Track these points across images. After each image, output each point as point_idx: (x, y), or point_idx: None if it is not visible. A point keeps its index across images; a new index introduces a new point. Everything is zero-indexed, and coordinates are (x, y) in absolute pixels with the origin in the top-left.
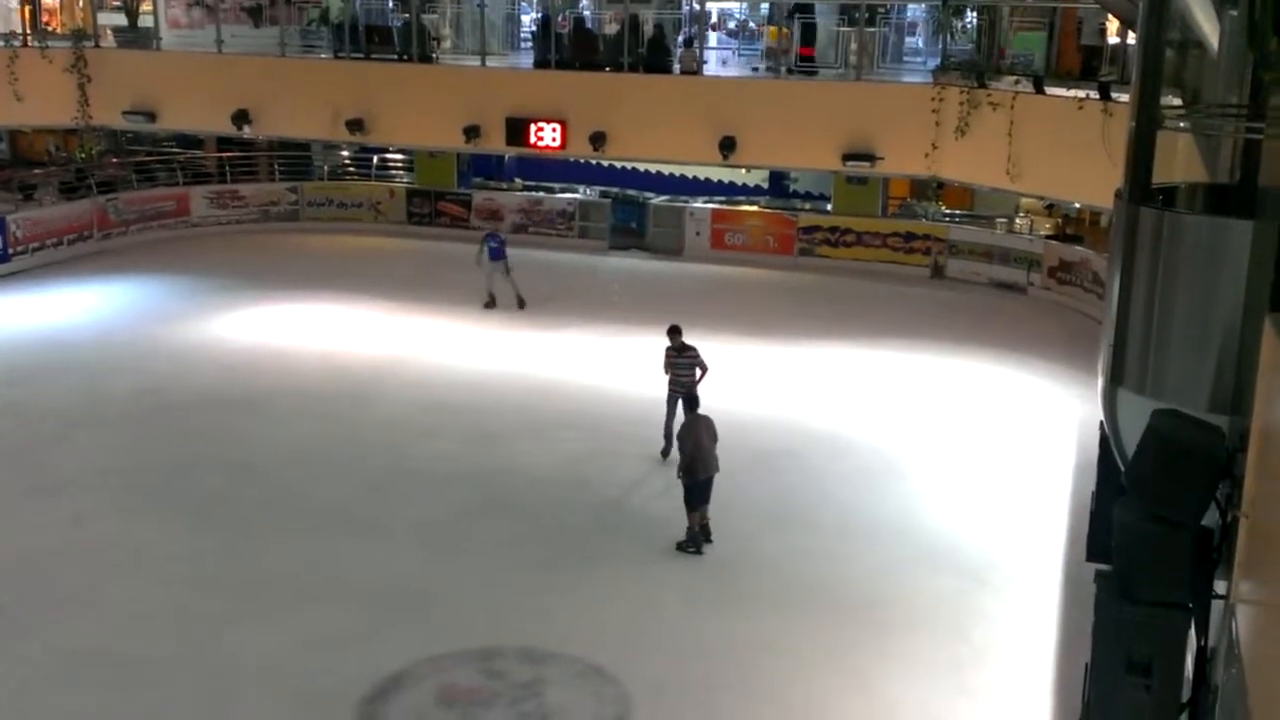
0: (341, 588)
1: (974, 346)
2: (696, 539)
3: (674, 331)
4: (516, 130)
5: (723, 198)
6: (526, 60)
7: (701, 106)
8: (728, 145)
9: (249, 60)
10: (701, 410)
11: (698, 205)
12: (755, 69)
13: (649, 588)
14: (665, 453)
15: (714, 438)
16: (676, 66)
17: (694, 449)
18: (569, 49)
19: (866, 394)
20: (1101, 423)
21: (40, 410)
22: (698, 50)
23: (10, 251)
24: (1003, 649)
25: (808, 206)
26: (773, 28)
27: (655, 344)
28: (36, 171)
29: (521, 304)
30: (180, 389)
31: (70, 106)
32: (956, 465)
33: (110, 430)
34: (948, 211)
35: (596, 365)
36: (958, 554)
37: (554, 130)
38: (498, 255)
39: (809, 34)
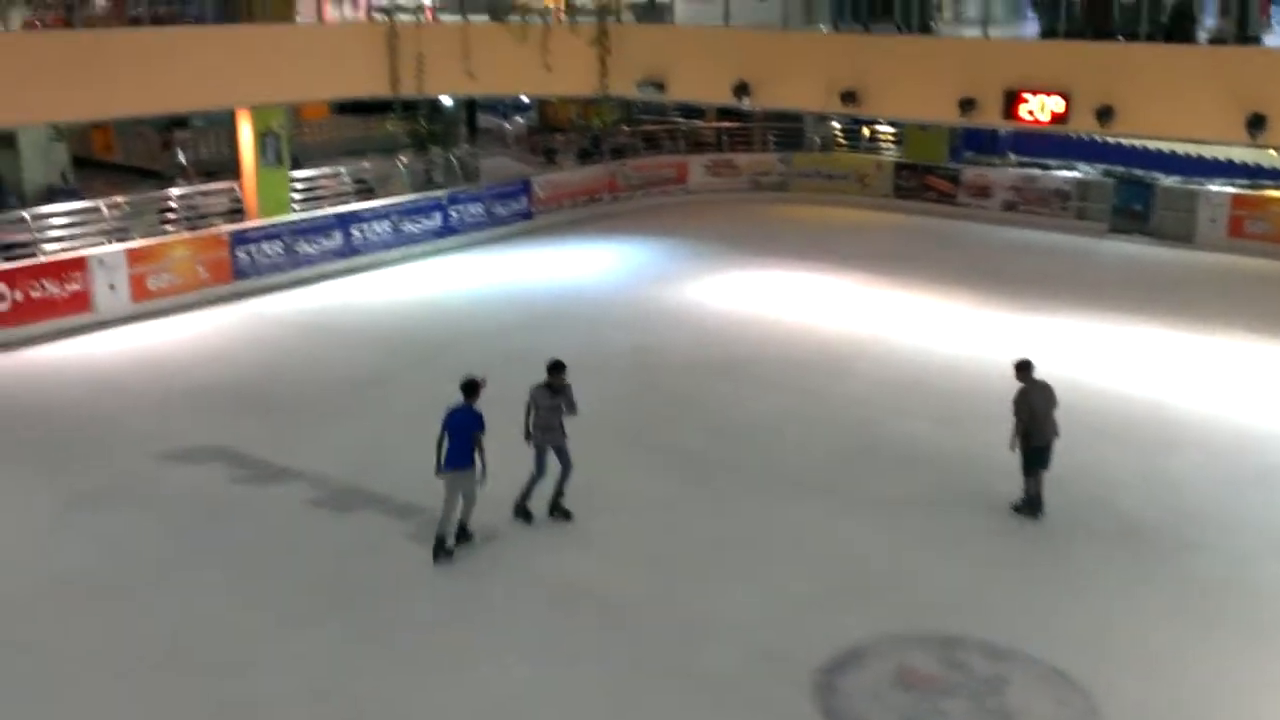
0: (802, 555)
1: None
2: (1035, 503)
3: (555, 368)
4: (1014, 103)
5: (1245, 181)
6: (1030, 30)
7: (1229, 80)
8: (1257, 123)
9: (752, 34)
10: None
11: (1215, 189)
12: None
13: (1123, 595)
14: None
15: (1051, 403)
16: (1203, 35)
17: (1029, 417)
18: (1080, 16)
19: None
20: None
21: (550, 355)
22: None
23: (533, 210)
24: None
25: None
26: None
27: (1155, 338)
28: (558, 137)
29: (467, 535)
30: (670, 349)
31: (591, 78)
32: None
33: (608, 381)
34: None
35: (1083, 357)
36: None
37: (1056, 103)
38: (463, 461)
39: None
